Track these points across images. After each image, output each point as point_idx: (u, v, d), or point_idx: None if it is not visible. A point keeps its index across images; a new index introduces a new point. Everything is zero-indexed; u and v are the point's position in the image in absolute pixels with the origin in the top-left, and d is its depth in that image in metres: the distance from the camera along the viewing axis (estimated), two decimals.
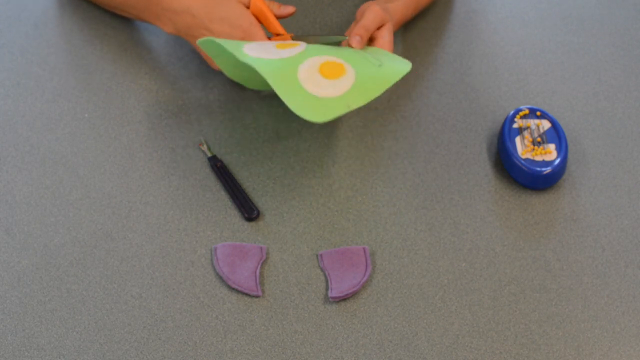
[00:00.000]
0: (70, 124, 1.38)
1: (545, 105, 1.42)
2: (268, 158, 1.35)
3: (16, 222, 1.28)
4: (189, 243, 1.26)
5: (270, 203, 1.30)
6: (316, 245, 1.26)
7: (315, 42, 1.34)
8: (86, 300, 1.21)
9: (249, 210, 1.28)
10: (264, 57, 1.23)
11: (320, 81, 1.22)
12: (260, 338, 1.18)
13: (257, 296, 1.22)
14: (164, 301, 1.21)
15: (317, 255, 1.25)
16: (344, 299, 1.22)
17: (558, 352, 1.17)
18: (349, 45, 1.31)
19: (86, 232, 1.27)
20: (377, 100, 1.42)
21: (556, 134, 1.34)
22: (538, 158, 1.31)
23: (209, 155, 1.35)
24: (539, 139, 1.33)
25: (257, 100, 1.41)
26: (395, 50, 1.48)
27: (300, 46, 1.27)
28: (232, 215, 1.29)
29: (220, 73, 1.44)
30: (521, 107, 1.37)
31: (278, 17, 1.36)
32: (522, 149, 1.32)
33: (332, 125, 1.39)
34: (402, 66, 1.26)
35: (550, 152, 1.31)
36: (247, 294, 1.22)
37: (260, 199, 1.31)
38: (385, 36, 1.32)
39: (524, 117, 1.36)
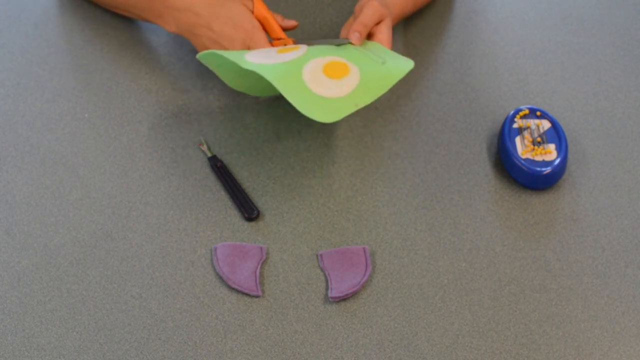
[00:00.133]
0: (70, 124, 1.38)
1: (545, 105, 1.42)
2: (268, 158, 1.35)
3: (16, 222, 1.28)
4: (189, 243, 1.26)
5: (270, 203, 1.30)
6: (316, 245, 1.26)
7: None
8: (86, 300, 1.21)
9: (249, 210, 1.28)
10: (267, 62, 1.23)
11: (326, 82, 1.22)
12: (260, 338, 1.18)
13: (257, 296, 1.22)
14: (164, 301, 1.21)
15: (317, 255, 1.25)
16: (344, 299, 1.22)
17: (558, 352, 1.17)
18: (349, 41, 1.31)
19: (86, 232, 1.27)
20: (378, 100, 1.42)
21: (556, 134, 1.34)
22: (538, 158, 1.31)
23: (209, 155, 1.35)
24: (539, 139, 1.33)
25: (257, 101, 1.41)
26: (396, 50, 1.48)
27: (302, 49, 1.27)
28: (232, 215, 1.29)
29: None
30: (521, 107, 1.37)
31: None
32: (522, 149, 1.32)
33: (332, 125, 1.39)
34: (405, 63, 1.27)
35: (550, 152, 1.31)
36: (247, 294, 1.22)
37: (260, 199, 1.31)
38: (384, 32, 1.32)
39: (524, 117, 1.36)
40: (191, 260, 1.25)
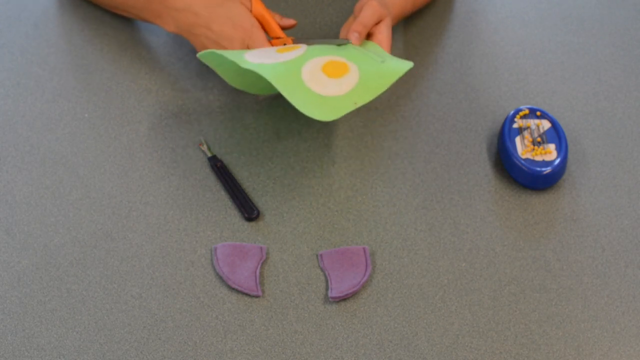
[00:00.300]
0: (70, 124, 1.38)
1: (545, 105, 1.42)
2: (268, 158, 1.35)
3: (16, 222, 1.28)
4: (189, 243, 1.26)
5: (270, 203, 1.30)
6: (316, 245, 1.26)
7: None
8: (86, 300, 1.21)
9: (249, 210, 1.28)
10: (266, 62, 1.23)
11: (325, 80, 1.22)
12: (260, 338, 1.18)
13: (257, 296, 1.22)
14: (164, 301, 1.21)
15: (317, 255, 1.25)
16: (344, 299, 1.22)
17: (558, 352, 1.17)
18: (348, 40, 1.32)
19: (86, 232, 1.27)
20: (377, 100, 1.42)
21: (556, 134, 1.34)
22: (538, 158, 1.31)
23: (209, 155, 1.35)
24: (539, 139, 1.33)
25: (257, 101, 1.41)
26: (396, 50, 1.48)
27: (301, 48, 1.28)
28: (232, 215, 1.29)
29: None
30: (521, 107, 1.37)
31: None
32: (522, 149, 1.32)
33: (332, 125, 1.39)
34: (404, 63, 1.27)
35: (550, 152, 1.31)
36: (247, 294, 1.22)
37: (260, 199, 1.31)
38: (383, 32, 1.32)
39: (524, 117, 1.36)
40: (191, 260, 1.25)
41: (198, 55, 1.27)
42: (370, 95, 1.22)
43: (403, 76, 1.45)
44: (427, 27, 1.51)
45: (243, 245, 1.25)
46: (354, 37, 1.30)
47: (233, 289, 1.22)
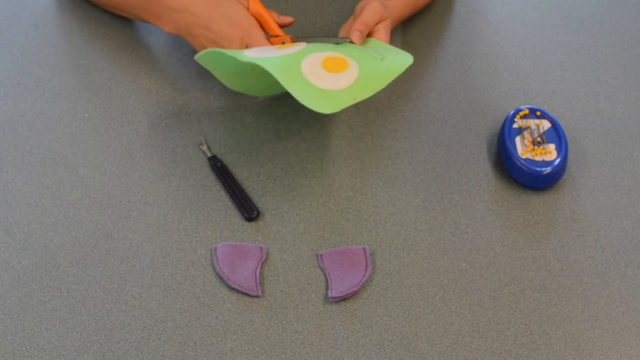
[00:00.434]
0: (70, 124, 1.38)
1: (545, 105, 1.42)
2: (268, 158, 1.35)
3: (16, 222, 1.28)
4: (189, 243, 1.26)
5: (270, 203, 1.30)
6: (316, 245, 1.26)
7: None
8: (86, 300, 1.21)
9: (249, 210, 1.28)
10: (266, 56, 1.24)
11: (324, 75, 1.23)
12: (260, 338, 1.18)
13: (257, 296, 1.22)
14: (164, 301, 1.21)
15: (317, 255, 1.25)
16: (344, 299, 1.22)
17: (558, 352, 1.17)
18: (349, 40, 1.32)
19: (86, 232, 1.27)
20: (377, 100, 1.42)
21: (556, 134, 1.34)
22: (538, 158, 1.31)
23: (209, 155, 1.35)
24: (539, 139, 1.33)
25: (257, 101, 1.41)
26: None
27: (300, 45, 1.28)
28: (232, 215, 1.29)
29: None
30: (521, 107, 1.37)
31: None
32: (522, 149, 1.32)
33: (332, 125, 1.39)
34: (404, 59, 1.27)
35: (550, 152, 1.31)
36: (247, 294, 1.22)
37: (260, 199, 1.31)
38: (382, 33, 1.33)
39: (524, 117, 1.36)
40: (191, 260, 1.25)
41: (196, 57, 1.27)
42: (370, 91, 1.22)
43: (403, 75, 1.45)
44: (427, 27, 1.51)
45: (243, 245, 1.25)
46: (355, 35, 1.30)
47: (233, 289, 1.22)
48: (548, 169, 1.29)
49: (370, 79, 1.24)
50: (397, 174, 1.34)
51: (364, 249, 1.25)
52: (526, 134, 1.33)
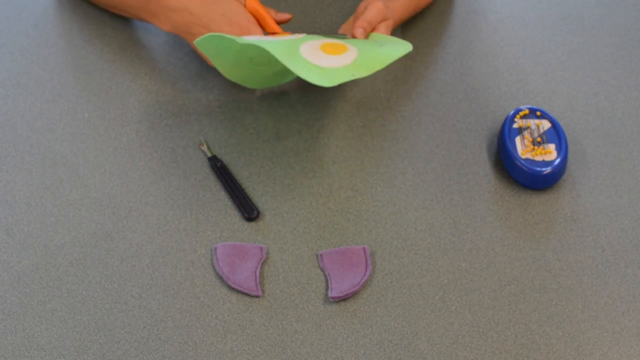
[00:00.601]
0: (70, 124, 1.38)
1: (545, 105, 1.42)
2: (268, 158, 1.35)
3: (16, 222, 1.28)
4: (189, 243, 1.26)
5: (270, 203, 1.30)
6: (316, 245, 1.26)
7: None
8: (86, 300, 1.21)
9: (249, 210, 1.28)
10: (265, 40, 1.25)
11: (323, 56, 1.23)
12: (260, 338, 1.18)
13: (257, 296, 1.22)
14: (164, 301, 1.21)
15: (317, 255, 1.25)
16: (344, 299, 1.22)
17: (558, 352, 1.17)
18: (351, 37, 1.32)
19: (86, 232, 1.27)
20: (377, 100, 1.42)
21: (556, 134, 1.34)
22: (538, 158, 1.31)
23: (209, 155, 1.35)
24: (539, 139, 1.33)
25: (257, 100, 1.41)
26: None
27: (300, 35, 1.29)
28: (232, 215, 1.29)
29: (220, 73, 1.44)
30: (521, 107, 1.37)
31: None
32: (522, 149, 1.32)
33: (332, 125, 1.39)
34: (404, 46, 1.27)
35: (550, 152, 1.31)
36: (247, 294, 1.22)
37: (260, 199, 1.31)
38: (383, 32, 1.33)
39: (524, 117, 1.36)
40: (191, 260, 1.25)
41: (195, 42, 1.26)
42: (369, 70, 1.23)
43: (403, 76, 1.45)
44: (427, 27, 1.51)
45: (243, 245, 1.25)
46: (358, 32, 1.31)
47: (233, 289, 1.22)
48: (548, 169, 1.29)
49: (369, 59, 1.24)
50: (397, 174, 1.34)
51: (364, 249, 1.25)
52: (526, 134, 1.33)
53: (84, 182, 1.32)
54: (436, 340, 1.18)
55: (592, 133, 1.39)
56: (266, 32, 1.38)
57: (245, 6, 1.35)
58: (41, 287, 1.22)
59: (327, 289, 1.22)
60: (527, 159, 1.31)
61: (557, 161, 1.30)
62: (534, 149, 1.31)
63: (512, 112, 1.36)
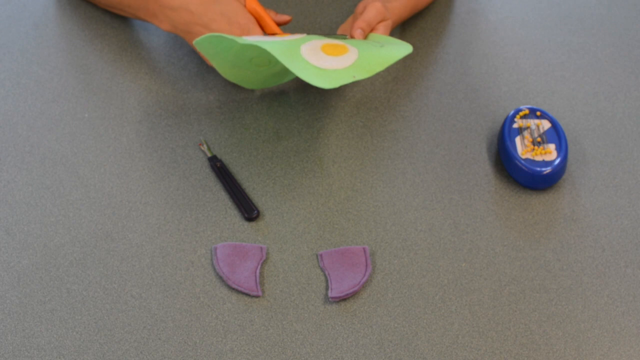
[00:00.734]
0: (70, 124, 1.38)
1: (545, 105, 1.42)
2: (268, 158, 1.35)
3: (16, 222, 1.28)
4: (189, 243, 1.26)
5: (270, 203, 1.30)
6: (316, 245, 1.26)
7: None
8: (86, 300, 1.21)
9: (249, 210, 1.28)
10: (265, 40, 1.25)
11: (324, 57, 1.23)
12: (260, 338, 1.18)
13: (257, 296, 1.22)
14: (164, 301, 1.21)
15: (317, 255, 1.25)
16: (344, 299, 1.22)
17: (558, 352, 1.17)
18: (350, 37, 1.32)
19: (86, 232, 1.27)
20: (377, 100, 1.42)
21: (556, 134, 1.34)
22: (538, 158, 1.31)
23: (209, 155, 1.35)
24: (539, 139, 1.33)
25: (257, 100, 1.41)
26: None
27: (300, 35, 1.29)
28: (232, 215, 1.29)
29: (219, 73, 1.44)
30: (521, 107, 1.37)
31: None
32: (522, 149, 1.32)
33: (332, 125, 1.39)
34: (404, 47, 1.27)
35: (550, 152, 1.31)
36: (247, 294, 1.22)
37: (260, 199, 1.31)
38: (382, 32, 1.33)
39: (524, 117, 1.36)
40: (191, 260, 1.25)
41: (194, 42, 1.26)
42: (369, 72, 1.23)
43: (403, 76, 1.45)
44: (427, 27, 1.51)
45: (243, 245, 1.25)
46: (357, 33, 1.31)
47: (233, 289, 1.22)
48: (548, 169, 1.29)
49: (369, 60, 1.24)
50: (397, 174, 1.34)
51: (364, 249, 1.25)
52: (526, 134, 1.33)
53: (84, 182, 1.32)
54: (436, 340, 1.18)
55: (592, 133, 1.39)
56: (266, 33, 1.38)
57: (244, 6, 1.35)
58: (41, 287, 1.22)
59: (327, 289, 1.22)
60: (527, 159, 1.31)
61: (557, 161, 1.30)
62: (534, 149, 1.31)
63: (512, 112, 1.36)
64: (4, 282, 1.22)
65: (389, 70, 1.45)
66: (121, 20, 1.50)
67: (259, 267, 1.23)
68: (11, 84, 1.42)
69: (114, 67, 1.44)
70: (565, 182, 1.33)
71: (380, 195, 1.31)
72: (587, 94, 1.43)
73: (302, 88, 1.43)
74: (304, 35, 1.29)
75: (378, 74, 1.45)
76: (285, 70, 1.38)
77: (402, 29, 1.51)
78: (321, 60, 1.23)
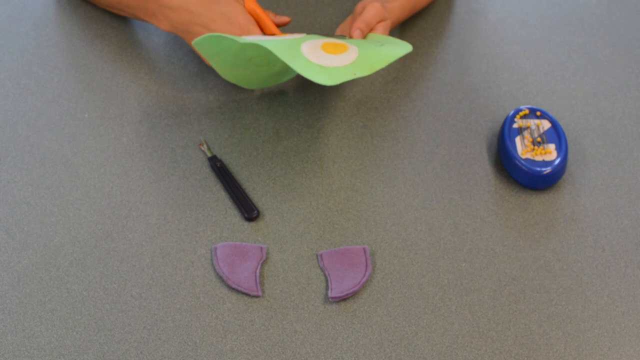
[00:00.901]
0: (70, 124, 1.38)
1: (545, 105, 1.42)
2: (268, 158, 1.35)
3: (16, 222, 1.28)
4: (189, 243, 1.26)
5: (270, 203, 1.30)
6: (316, 245, 1.26)
7: None
8: (86, 300, 1.21)
9: (249, 210, 1.28)
10: (265, 39, 1.25)
11: (324, 55, 1.23)
12: (260, 338, 1.18)
13: (257, 296, 1.22)
14: (164, 301, 1.21)
15: (317, 255, 1.25)
16: (344, 299, 1.22)
17: (558, 352, 1.17)
18: (349, 37, 1.33)
19: (86, 232, 1.27)
20: (377, 100, 1.42)
21: (556, 134, 1.34)
22: (538, 158, 1.31)
23: (209, 155, 1.35)
24: (539, 139, 1.33)
25: (257, 100, 1.41)
26: None
27: (300, 34, 1.29)
28: (232, 215, 1.29)
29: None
30: (521, 107, 1.37)
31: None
32: (522, 149, 1.32)
33: (332, 125, 1.39)
34: (404, 46, 1.28)
35: (550, 152, 1.31)
36: (247, 294, 1.22)
37: (260, 199, 1.31)
38: (381, 32, 1.33)
39: (524, 117, 1.36)
40: (191, 260, 1.25)
41: (193, 42, 1.26)
42: (370, 69, 1.23)
43: (403, 76, 1.45)
44: (427, 27, 1.51)
45: (243, 245, 1.25)
46: (356, 33, 1.31)
47: (233, 289, 1.22)
48: (548, 169, 1.29)
49: (370, 58, 1.24)
50: (397, 174, 1.34)
51: (364, 249, 1.25)
52: (526, 134, 1.33)
53: (84, 182, 1.32)
54: (436, 340, 1.18)
55: (592, 133, 1.39)
56: (265, 34, 1.38)
57: (243, 6, 1.35)
58: (41, 287, 1.22)
59: (327, 289, 1.22)
60: (527, 159, 1.31)
61: (557, 161, 1.30)
62: (534, 149, 1.31)
63: (512, 112, 1.36)
64: (4, 282, 1.22)
65: (389, 70, 1.45)
66: (121, 20, 1.50)
67: (259, 267, 1.23)
68: (11, 84, 1.42)
69: (114, 67, 1.45)
70: (565, 182, 1.33)
71: (380, 195, 1.31)
72: (587, 94, 1.43)
73: (301, 88, 1.43)
74: (303, 35, 1.29)
75: (378, 74, 1.45)
76: (285, 70, 1.38)
77: (401, 29, 1.51)
78: (322, 58, 1.23)
